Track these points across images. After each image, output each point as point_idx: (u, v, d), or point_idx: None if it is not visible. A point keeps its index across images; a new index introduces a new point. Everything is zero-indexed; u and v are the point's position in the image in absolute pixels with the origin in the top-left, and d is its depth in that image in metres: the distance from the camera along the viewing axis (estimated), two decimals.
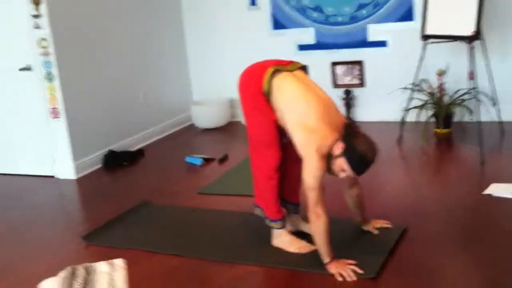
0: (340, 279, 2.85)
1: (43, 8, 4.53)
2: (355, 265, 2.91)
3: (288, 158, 3.16)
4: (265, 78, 2.98)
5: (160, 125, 6.00)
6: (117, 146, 5.34)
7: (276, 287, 2.99)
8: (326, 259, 2.92)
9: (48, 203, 4.46)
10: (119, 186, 4.68)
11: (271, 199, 3.16)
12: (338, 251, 2.96)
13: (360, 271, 2.87)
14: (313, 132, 2.82)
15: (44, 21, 4.56)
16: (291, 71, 3.03)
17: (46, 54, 4.64)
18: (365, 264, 2.92)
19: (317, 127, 2.83)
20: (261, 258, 3.15)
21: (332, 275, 2.87)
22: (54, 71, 4.67)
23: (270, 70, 2.99)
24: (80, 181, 4.85)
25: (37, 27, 4.58)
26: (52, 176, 4.97)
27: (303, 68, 3.12)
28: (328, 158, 2.85)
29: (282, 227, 3.21)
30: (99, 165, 5.14)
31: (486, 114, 5.19)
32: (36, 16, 4.54)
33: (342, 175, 2.89)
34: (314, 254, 3.06)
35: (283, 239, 3.22)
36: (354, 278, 2.83)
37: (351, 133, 2.85)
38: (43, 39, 4.60)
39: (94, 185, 4.73)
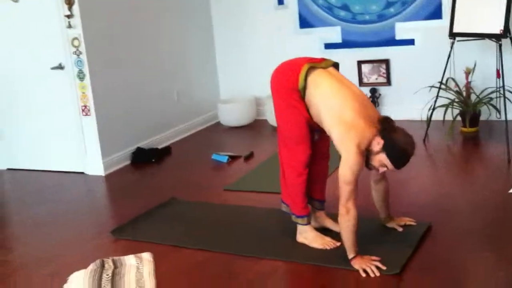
0: (363, 275, 2.87)
1: (75, 8, 4.65)
2: (379, 261, 2.93)
3: (317, 155, 3.21)
4: (301, 75, 3.02)
5: (186, 123, 6.07)
6: (144, 144, 5.43)
7: (301, 282, 3.03)
8: (350, 254, 2.95)
9: (78, 198, 4.57)
10: (147, 182, 4.76)
11: (299, 195, 3.19)
12: (363, 248, 2.99)
13: (384, 268, 2.89)
14: (352, 126, 2.86)
15: (76, 21, 4.68)
16: (324, 68, 3.08)
17: (78, 53, 4.75)
18: (389, 261, 2.94)
19: (355, 121, 2.87)
20: (286, 253, 3.19)
21: (356, 271, 2.90)
22: (85, 69, 4.79)
23: (306, 67, 3.03)
24: (109, 177, 4.95)
25: (70, 26, 4.69)
26: (82, 172, 5.09)
27: (335, 65, 3.16)
28: (367, 153, 2.90)
29: (308, 223, 3.25)
30: (127, 162, 5.24)
31: None
32: (68, 16, 4.66)
33: (382, 169, 2.95)
34: (338, 251, 3.10)
35: (307, 235, 3.25)
36: (378, 274, 2.86)
37: (388, 127, 2.89)
38: (75, 39, 4.72)
39: (122, 181, 4.83)
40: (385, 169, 2.93)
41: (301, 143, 3.10)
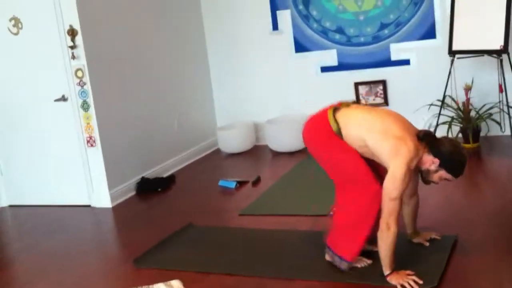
0: None
1: (78, 39, 4.64)
2: (414, 275, 2.93)
3: None
4: (329, 119, 3.05)
5: (187, 151, 6.04)
6: (148, 173, 5.39)
7: None
8: (387, 270, 2.95)
9: (90, 231, 4.49)
10: (157, 211, 4.70)
11: (362, 240, 3.06)
12: (395, 264, 2.98)
13: (420, 281, 2.89)
14: (402, 142, 2.86)
15: (80, 51, 4.67)
16: (347, 106, 3.13)
17: (82, 84, 4.72)
18: (424, 274, 2.94)
19: (404, 136, 2.89)
20: (319, 273, 3.17)
21: (393, 286, 2.90)
22: (90, 100, 4.76)
23: (330, 110, 3.09)
24: (117, 209, 4.87)
25: (73, 57, 4.67)
26: (89, 205, 5.00)
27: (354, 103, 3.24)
28: (420, 170, 2.96)
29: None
30: (133, 193, 5.17)
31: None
32: (72, 47, 4.64)
33: (441, 181, 3.04)
34: (371, 268, 3.10)
35: None
36: None
37: (433, 141, 2.93)
38: (79, 69, 4.69)
39: (132, 212, 4.75)
40: (442, 181, 3.02)
41: (367, 179, 3.00)
